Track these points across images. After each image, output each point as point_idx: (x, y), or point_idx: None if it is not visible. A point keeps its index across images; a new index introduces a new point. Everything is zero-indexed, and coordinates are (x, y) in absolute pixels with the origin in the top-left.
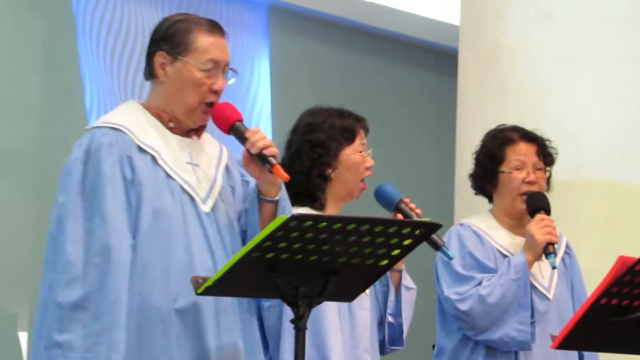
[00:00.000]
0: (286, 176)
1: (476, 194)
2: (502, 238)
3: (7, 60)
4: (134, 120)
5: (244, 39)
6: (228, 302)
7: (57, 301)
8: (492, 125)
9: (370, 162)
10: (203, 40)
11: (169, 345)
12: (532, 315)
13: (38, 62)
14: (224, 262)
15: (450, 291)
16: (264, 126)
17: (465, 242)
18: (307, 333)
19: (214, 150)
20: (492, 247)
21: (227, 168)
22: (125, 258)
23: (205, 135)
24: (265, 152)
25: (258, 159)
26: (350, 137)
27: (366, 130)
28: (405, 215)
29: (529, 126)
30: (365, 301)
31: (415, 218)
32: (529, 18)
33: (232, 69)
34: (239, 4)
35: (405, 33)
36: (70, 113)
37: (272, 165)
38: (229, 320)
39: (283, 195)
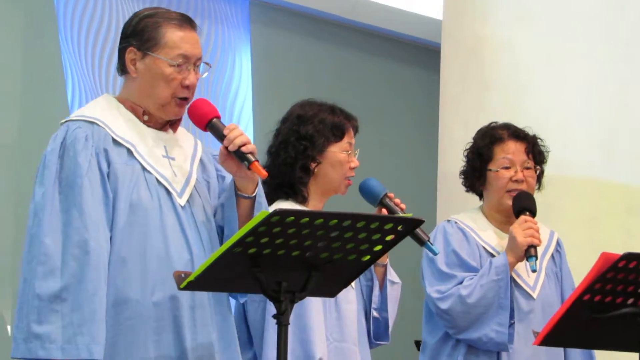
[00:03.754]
0: (265, 173)
1: (467, 191)
2: (489, 237)
3: None
4: (109, 114)
5: (225, 33)
6: (204, 296)
7: (35, 293)
8: (473, 119)
9: (355, 163)
10: (172, 35)
11: (146, 337)
12: (512, 316)
13: (19, 56)
14: (201, 256)
15: (432, 289)
16: (246, 121)
17: (450, 240)
18: (291, 328)
19: (189, 144)
20: (477, 245)
21: (201, 162)
22: (103, 250)
23: (181, 129)
24: (243, 149)
25: (236, 156)
26: (338, 135)
27: (355, 130)
28: (390, 210)
29: (510, 121)
30: (351, 295)
31: (399, 213)
32: (511, 14)
33: (205, 63)
34: None
35: (388, 28)
36: (52, 107)
37: (250, 162)
38: (204, 315)
39: (260, 191)
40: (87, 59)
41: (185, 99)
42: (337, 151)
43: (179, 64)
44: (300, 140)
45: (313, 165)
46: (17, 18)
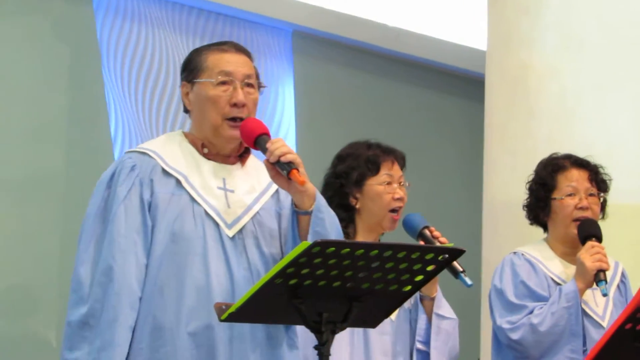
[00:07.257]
0: (302, 180)
1: (531, 223)
2: (555, 266)
3: (33, 87)
4: (166, 146)
5: (268, 64)
6: (245, 328)
7: (67, 320)
8: (519, 148)
9: (398, 194)
10: (213, 57)
11: None
12: (585, 344)
13: (63, 88)
14: (245, 287)
15: (503, 320)
16: None
17: (518, 271)
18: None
19: (263, 177)
20: (545, 276)
21: (277, 193)
22: (128, 277)
23: (254, 162)
24: (282, 158)
25: (278, 168)
26: (374, 168)
27: (398, 163)
28: (427, 242)
29: (556, 148)
30: (386, 326)
31: (437, 244)
32: (556, 41)
33: (259, 83)
34: (263, 29)
35: (431, 59)
36: (95, 140)
37: (288, 170)
38: (243, 348)
39: (319, 206)
40: (130, 92)
41: (238, 119)
42: (374, 184)
43: (223, 82)
44: (336, 179)
45: (353, 201)
46: (61, 51)
